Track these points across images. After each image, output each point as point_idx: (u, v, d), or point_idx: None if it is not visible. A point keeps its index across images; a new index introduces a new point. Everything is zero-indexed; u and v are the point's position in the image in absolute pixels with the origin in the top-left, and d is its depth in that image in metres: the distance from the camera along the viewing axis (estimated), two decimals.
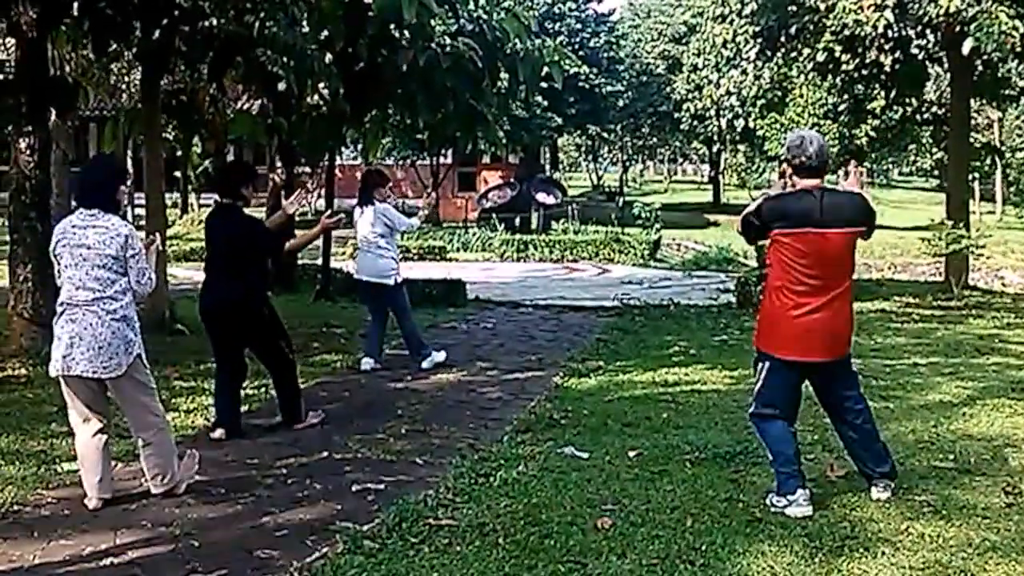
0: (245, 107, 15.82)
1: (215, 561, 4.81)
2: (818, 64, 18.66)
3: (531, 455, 6.59)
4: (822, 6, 16.95)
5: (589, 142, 65.62)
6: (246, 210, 7.52)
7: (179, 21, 11.00)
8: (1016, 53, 16.26)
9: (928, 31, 18.23)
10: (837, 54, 17.93)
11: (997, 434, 7.13)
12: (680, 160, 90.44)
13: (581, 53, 43.70)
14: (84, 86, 12.67)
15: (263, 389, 8.31)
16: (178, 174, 32.98)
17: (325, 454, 6.78)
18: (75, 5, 10.35)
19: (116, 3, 10.43)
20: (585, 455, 6.61)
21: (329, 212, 8.68)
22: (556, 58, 11.60)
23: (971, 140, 22.93)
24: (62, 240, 5.59)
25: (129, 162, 23.72)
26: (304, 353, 10.35)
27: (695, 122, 47.58)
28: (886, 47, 18.06)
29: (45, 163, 10.02)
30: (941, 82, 23.25)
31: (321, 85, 12.50)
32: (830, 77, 20.46)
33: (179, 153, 22.17)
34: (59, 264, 5.61)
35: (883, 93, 21.25)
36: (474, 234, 33.35)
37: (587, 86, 46.89)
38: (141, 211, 12.07)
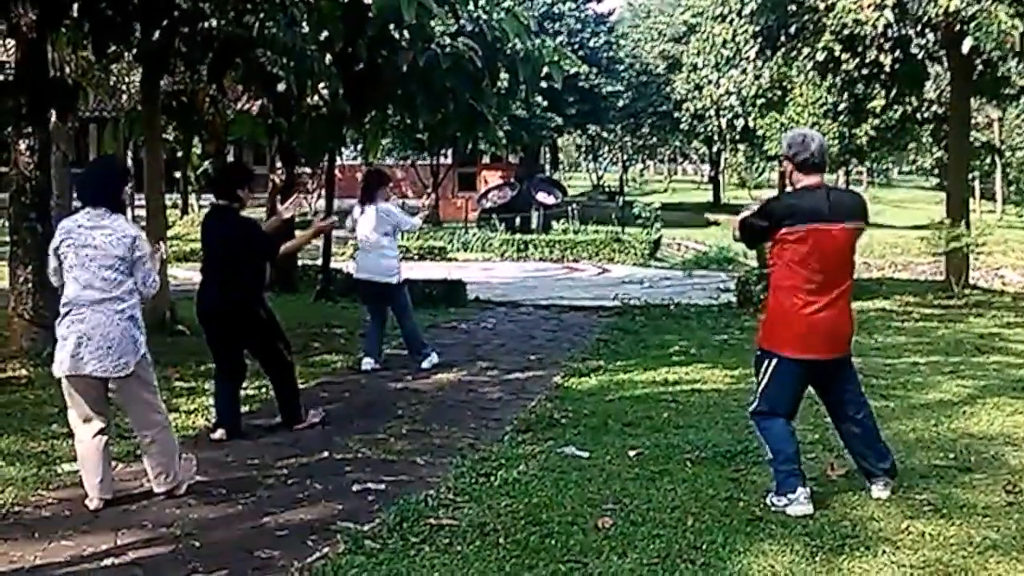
0: (245, 108, 15.81)
1: (216, 561, 4.81)
2: (818, 63, 18.63)
3: (532, 455, 6.60)
4: (822, 5, 16.94)
5: (589, 142, 65.66)
6: (245, 212, 7.53)
7: (179, 22, 11.00)
8: (1016, 52, 16.24)
9: (928, 30, 18.21)
10: (837, 53, 17.91)
11: (997, 433, 7.13)
12: (680, 160, 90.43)
13: (581, 53, 43.68)
14: (84, 87, 12.64)
15: (263, 390, 8.31)
16: (178, 175, 32.98)
17: (326, 454, 6.79)
18: (75, 6, 10.35)
19: (116, 4, 10.43)
20: (586, 455, 6.61)
21: (324, 215, 8.70)
22: (556, 58, 11.61)
23: (971, 139, 22.93)
24: (67, 240, 5.58)
25: (129, 163, 23.78)
26: (304, 353, 10.37)
27: (695, 122, 47.53)
28: (886, 46, 18.04)
29: (45, 164, 10.03)
30: (941, 81, 23.21)
31: (321, 86, 12.50)
32: (830, 76, 20.43)
33: (179, 154, 22.17)
34: (61, 263, 5.60)
35: (883, 92, 21.22)
36: (474, 234, 33.37)
37: (587, 86, 46.89)
38: (141, 212, 12.05)
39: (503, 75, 12.24)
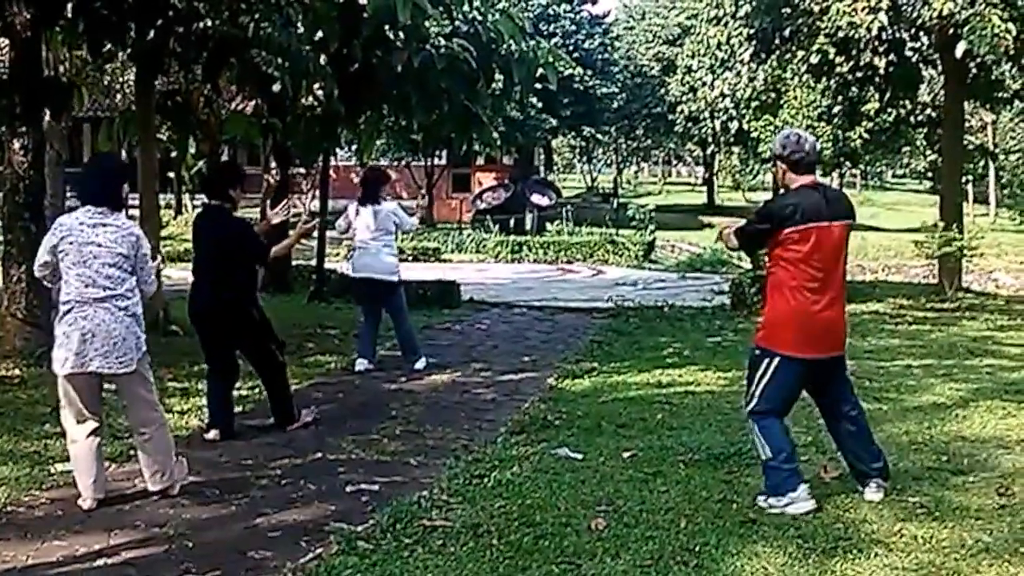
0: (239, 108, 15.80)
1: (209, 562, 4.80)
2: (812, 66, 18.66)
3: (525, 456, 6.60)
4: (816, 8, 16.97)
5: (583, 144, 65.57)
6: (238, 212, 7.52)
7: (174, 22, 10.99)
8: (1009, 56, 16.29)
9: (922, 33, 18.28)
10: (831, 56, 17.94)
11: (990, 435, 7.15)
12: (674, 162, 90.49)
13: (576, 55, 43.66)
14: (79, 87, 12.61)
15: (256, 390, 8.29)
16: (172, 175, 32.95)
17: (319, 455, 6.78)
18: (69, 5, 10.33)
19: (110, 3, 10.41)
20: (579, 456, 6.62)
21: (305, 218, 8.71)
22: (551, 60, 11.60)
23: (965, 142, 22.97)
24: (68, 237, 5.56)
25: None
26: (298, 354, 10.36)
27: (689, 124, 47.54)
28: (880, 49, 18.07)
29: (39, 164, 10.01)
30: (935, 84, 23.27)
31: (316, 86, 12.47)
32: (824, 79, 20.47)
33: (173, 154, 22.14)
34: (58, 261, 5.58)
35: (877, 95, 21.26)
36: (468, 235, 33.32)
37: (582, 88, 46.87)
38: (135, 212, 12.03)
39: (498, 76, 12.22)
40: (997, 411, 7.88)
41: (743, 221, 5.85)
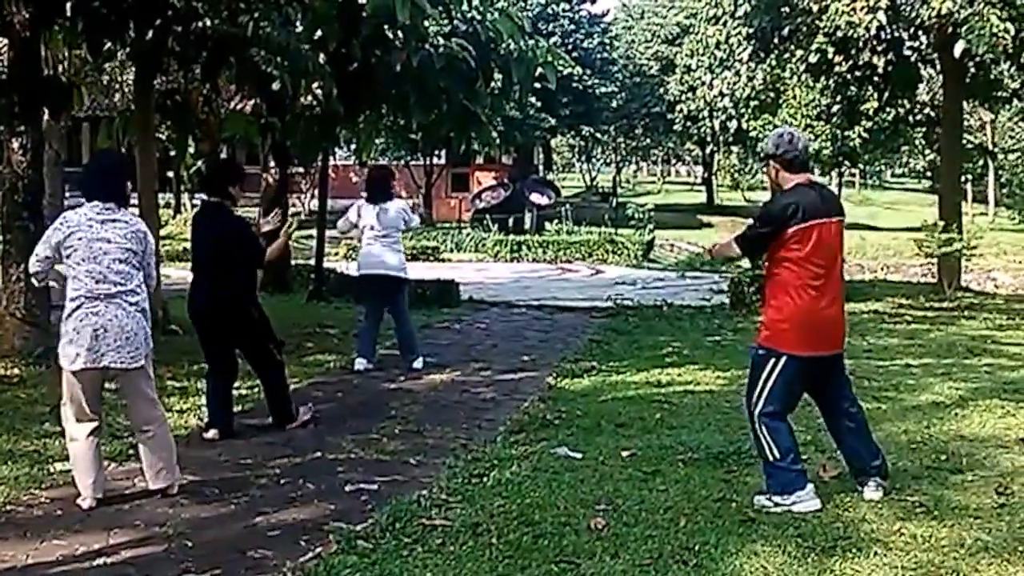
0: (238, 107, 15.80)
1: (208, 561, 4.80)
2: (811, 65, 18.68)
3: (524, 455, 6.60)
4: (815, 8, 16.97)
5: (582, 143, 65.55)
6: (238, 211, 7.52)
7: (173, 21, 10.98)
8: (1008, 55, 16.31)
9: (920, 33, 18.28)
10: (830, 55, 17.96)
11: (989, 435, 7.15)
12: (673, 161, 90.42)
13: (575, 54, 43.70)
14: (79, 87, 12.60)
15: (256, 389, 8.28)
16: (171, 174, 32.95)
17: (318, 454, 6.78)
18: (68, 5, 10.33)
19: (110, 3, 10.40)
20: (578, 455, 6.62)
21: (289, 222, 8.77)
22: (550, 59, 11.60)
23: (964, 142, 23.01)
24: (76, 233, 5.54)
25: None
26: (297, 353, 10.37)
27: (688, 123, 47.58)
28: (879, 49, 18.09)
29: (38, 163, 10.01)
30: (934, 84, 23.30)
31: (315, 85, 12.47)
32: (823, 78, 20.48)
33: (172, 153, 22.11)
34: (61, 257, 5.57)
35: (876, 95, 21.27)
36: (467, 234, 33.32)
37: (580, 87, 46.90)
38: (134, 211, 12.02)
39: (497, 76, 12.22)
40: (996, 410, 7.88)
41: (727, 237, 5.90)
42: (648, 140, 67.10)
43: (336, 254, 24.80)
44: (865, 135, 30.09)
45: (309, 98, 13.23)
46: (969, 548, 4.88)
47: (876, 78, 19.62)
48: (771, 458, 5.52)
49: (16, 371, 9.12)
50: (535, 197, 37.29)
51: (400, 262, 10.05)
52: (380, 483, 6.07)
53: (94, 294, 5.51)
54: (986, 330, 13.10)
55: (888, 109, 22.38)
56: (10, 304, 9.80)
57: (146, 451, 5.80)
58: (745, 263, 16.17)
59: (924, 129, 23.55)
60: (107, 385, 5.82)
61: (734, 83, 20.78)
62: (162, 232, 17.99)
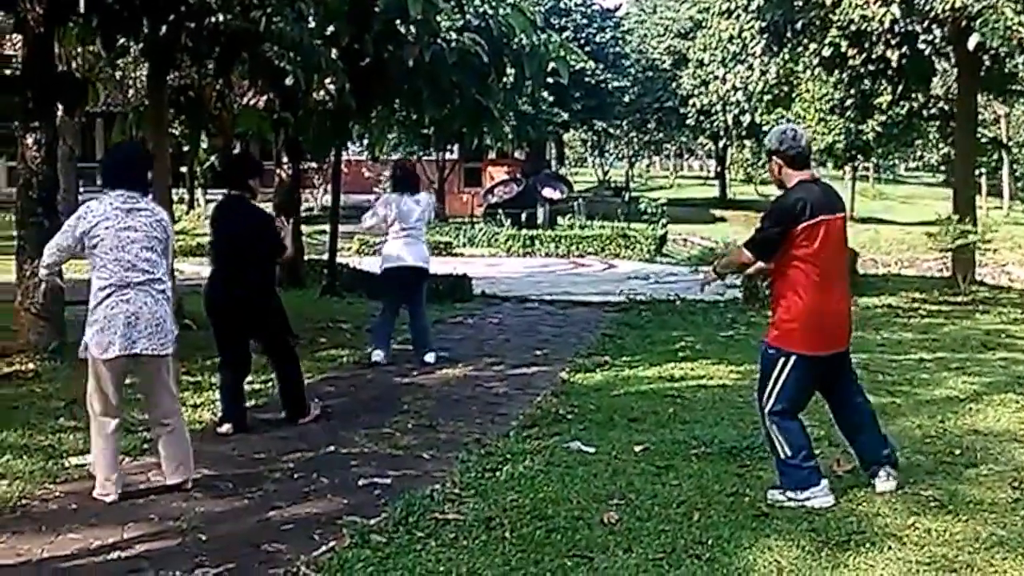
0: (252, 103, 15.82)
1: (222, 555, 4.82)
2: (824, 59, 18.62)
3: (537, 450, 6.60)
4: (828, 1, 16.91)
5: (595, 137, 65.46)
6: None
7: (186, 17, 10.99)
8: (1022, 48, 16.21)
9: (934, 26, 18.19)
10: (843, 49, 17.90)
11: (1004, 429, 7.13)
12: (686, 155, 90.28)
13: (587, 48, 43.68)
14: (94, 82, 12.63)
15: (269, 384, 8.31)
16: (184, 170, 33.01)
17: (332, 448, 6.80)
18: (82, 1, 10.35)
19: None
20: (591, 450, 6.62)
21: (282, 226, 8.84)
22: (562, 53, 11.59)
23: (978, 135, 22.89)
24: (103, 223, 5.56)
25: None
26: (310, 348, 10.39)
27: (701, 117, 47.46)
28: (892, 42, 18.02)
29: (52, 159, 10.02)
30: (948, 77, 23.18)
31: (327, 81, 12.48)
32: (836, 72, 20.43)
33: (185, 149, 22.16)
34: (91, 247, 5.56)
35: (890, 88, 21.21)
36: (480, 229, 33.30)
37: (593, 81, 46.85)
38: None
39: (509, 70, 12.23)
40: (1010, 404, 7.86)
41: (731, 252, 5.93)
42: (661, 134, 66.93)
43: (348, 249, 24.82)
44: (879, 129, 30.04)
45: (322, 93, 13.25)
46: (984, 543, 4.87)
47: (890, 72, 19.54)
48: (784, 456, 5.51)
49: (31, 366, 9.15)
50: (547, 192, 37.26)
51: (427, 255, 10.18)
52: (393, 477, 6.08)
53: (124, 282, 5.53)
54: (1000, 324, 13.06)
55: (902, 103, 22.32)
56: (25, 299, 9.83)
57: (166, 445, 5.82)
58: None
59: (938, 123, 23.45)
60: (133, 378, 5.83)
61: (747, 77, 20.72)
62: (176, 227, 18.07)
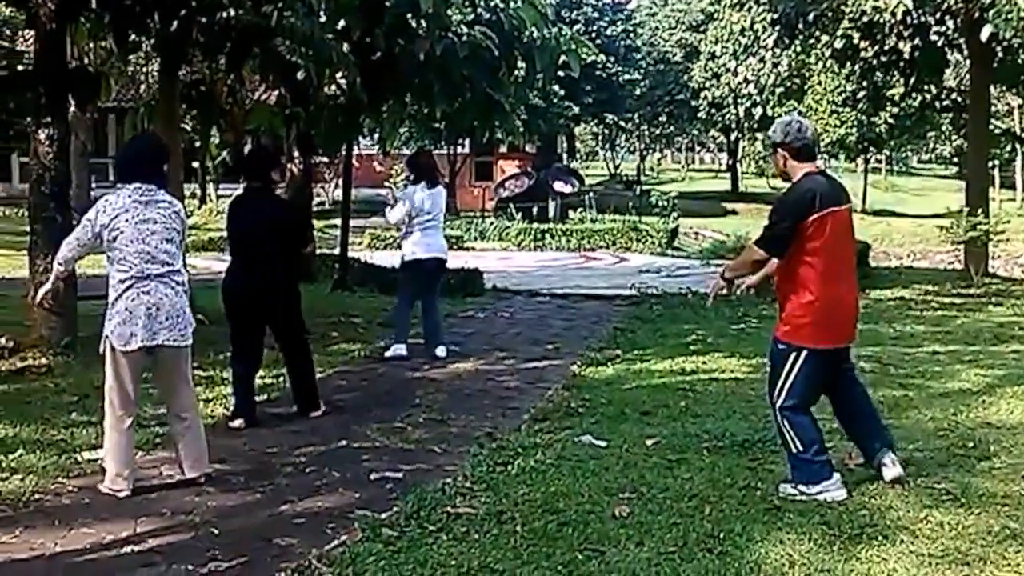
0: (263, 98, 15.85)
1: (234, 549, 4.83)
2: (836, 51, 18.58)
3: (549, 443, 6.60)
4: None
5: (606, 131, 65.52)
6: None
7: (197, 12, 11.01)
8: None
9: (947, 17, 18.13)
10: (856, 41, 17.86)
11: (1017, 422, 7.11)
12: (698, 148, 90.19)
13: (598, 41, 43.65)
14: (106, 77, 12.67)
15: (281, 378, 8.33)
16: (196, 165, 33.09)
17: (343, 443, 6.81)
18: None
19: None
20: (603, 443, 6.61)
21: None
22: (573, 47, 11.59)
23: (991, 127, 22.81)
24: (123, 215, 5.56)
25: None
26: (322, 342, 10.39)
27: (713, 110, 47.45)
28: (905, 34, 17.96)
29: (64, 154, 10.04)
30: (961, 69, 23.10)
31: (339, 75, 12.50)
32: (849, 64, 20.37)
33: (197, 144, 22.23)
34: (109, 240, 5.56)
35: (902, 80, 21.14)
36: (491, 223, 33.30)
37: (604, 75, 46.83)
38: None
39: (520, 64, 12.23)
40: (1023, 397, 7.83)
41: (725, 266, 5.91)
42: (672, 127, 66.96)
43: (360, 243, 24.84)
44: (891, 121, 29.95)
45: (333, 88, 13.28)
46: (996, 535, 4.85)
47: (902, 63, 19.48)
48: (795, 450, 5.50)
49: (44, 360, 9.17)
50: (559, 185, 37.22)
51: (446, 246, 10.27)
52: (405, 471, 6.09)
53: (145, 274, 5.55)
54: (1013, 316, 13.01)
55: (914, 95, 22.23)
56: (37, 294, 9.86)
57: (184, 439, 5.83)
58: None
59: (951, 115, 23.40)
60: (152, 372, 5.86)
61: (759, 70, 20.67)
62: (188, 222, 18.11)
